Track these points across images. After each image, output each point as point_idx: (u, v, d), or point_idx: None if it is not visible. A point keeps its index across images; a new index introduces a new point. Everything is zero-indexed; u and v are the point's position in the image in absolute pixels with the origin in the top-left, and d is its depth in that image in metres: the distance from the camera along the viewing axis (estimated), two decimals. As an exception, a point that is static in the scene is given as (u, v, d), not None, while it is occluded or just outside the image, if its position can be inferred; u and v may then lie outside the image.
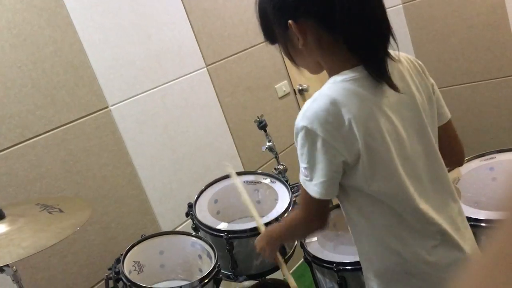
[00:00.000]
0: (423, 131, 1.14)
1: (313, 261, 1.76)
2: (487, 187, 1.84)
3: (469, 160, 1.91)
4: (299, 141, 1.09)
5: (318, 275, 1.79)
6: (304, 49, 1.11)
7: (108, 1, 2.19)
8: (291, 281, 1.58)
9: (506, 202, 0.31)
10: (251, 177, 2.07)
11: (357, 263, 1.35)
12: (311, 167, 1.09)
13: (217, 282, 1.66)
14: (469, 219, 1.57)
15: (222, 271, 1.72)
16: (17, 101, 1.87)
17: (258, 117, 2.09)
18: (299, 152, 1.11)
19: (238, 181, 1.90)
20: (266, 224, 1.74)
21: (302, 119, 1.07)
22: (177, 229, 2.33)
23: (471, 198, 1.78)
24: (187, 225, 2.22)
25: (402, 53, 1.17)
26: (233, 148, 2.68)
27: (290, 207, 1.85)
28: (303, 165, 1.11)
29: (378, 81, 1.07)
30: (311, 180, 1.10)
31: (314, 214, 1.20)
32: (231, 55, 2.72)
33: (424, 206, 1.11)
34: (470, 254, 1.17)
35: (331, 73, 1.11)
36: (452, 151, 1.29)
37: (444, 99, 1.26)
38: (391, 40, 1.09)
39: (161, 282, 1.76)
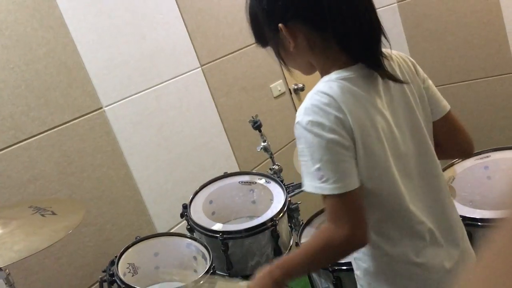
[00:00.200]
0: (416, 129, 1.14)
1: (308, 261, 1.75)
2: (482, 186, 1.84)
3: (464, 159, 1.91)
4: (306, 138, 1.02)
5: (314, 275, 1.79)
6: (295, 51, 1.11)
7: (101, 1, 2.17)
8: None
9: (508, 200, 0.31)
10: (246, 177, 2.06)
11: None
12: (325, 162, 1.00)
13: (212, 283, 1.65)
14: (464, 218, 1.57)
15: (217, 272, 1.72)
16: (10, 103, 1.85)
17: (252, 117, 2.09)
18: (306, 153, 1.03)
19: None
20: (264, 225, 1.74)
21: (304, 115, 1.04)
22: (172, 230, 2.32)
23: (466, 197, 1.78)
24: (183, 226, 2.21)
25: (394, 51, 1.17)
26: (229, 148, 2.67)
27: (285, 207, 1.84)
28: (315, 165, 1.02)
29: (373, 79, 1.07)
30: (328, 179, 1.01)
31: (352, 221, 1.02)
32: (226, 55, 2.71)
33: (413, 205, 1.11)
34: (462, 254, 1.17)
35: (323, 73, 1.11)
36: (458, 142, 1.27)
37: None
38: (383, 38, 1.09)
39: (156, 284, 1.75)
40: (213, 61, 2.64)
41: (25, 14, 1.91)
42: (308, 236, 1.89)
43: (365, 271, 1.17)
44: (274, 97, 2.96)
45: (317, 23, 1.05)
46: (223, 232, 1.74)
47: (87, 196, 2.05)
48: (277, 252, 1.79)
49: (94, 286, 2.01)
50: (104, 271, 1.65)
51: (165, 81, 2.40)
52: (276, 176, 2.06)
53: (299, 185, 2.07)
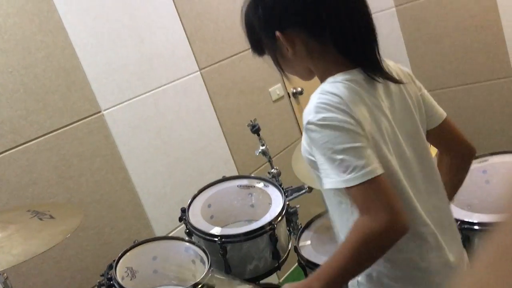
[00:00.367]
0: (415, 134, 1.15)
1: (307, 265, 1.76)
2: (480, 190, 1.84)
3: (465, 165, 1.91)
4: (323, 134, 0.99)
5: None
6: (293, 58, 1.11)
7: (100, 5, 2.18)
8: None
9: (503, 206, 0.31)
10: (244, 181, 2.06)
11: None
12: (348, 151, 0.97)
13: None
14: (462, 222, 1.58)
15: (216, 275, 1.72)
16: (8, 106, 1.86)
17: (251, 121, 2.09)
18: (325, 150, 0.99)
19: None
20: (262, 228, 1.74)
21: (316, 113, 1.00)
22: (171, 234, 2.32)
23: (464, 201, 1.78)
24: (181, 229, 2.21)
25: (390, 61, 1.18)
26: (227, 152, 2.67)
27: (284, 211, 1.84)
28: (338, 157, 0.97)
29: (376, 80, 1.07)
30: (355, 167, 0.96)
31: (389, 205, 0.95)
32: (225, 59, 2.72)
33: (419, 208, 1.11)
34: (457, 258, 1.17)
35: (324, 77, 1.11)
36: (458, 149, 1.27)
37: (436, 101, 1.26)
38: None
39: (154, 288, 1.74)
40: (212, 65, 2.65)
41: (24, 18, 1.91)
42: (306, 239, 1.90)
43: (368, 277, 1.17)
44: (273, 101, 2.97)
45: (314, 29, 1.05)
46: (222, 236, 1.74)
47: (86, 200, 2.04)
48: (276, 256, 1.79)
49: (92, 290, 2.01)
50: (102, 275, 1.64)
51: (164, 85, 2.40)
52: (274, 180, 2.06)
53: (298, 189, 2.07)
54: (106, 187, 2.12)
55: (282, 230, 1.86)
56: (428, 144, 1.21)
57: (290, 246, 1.93)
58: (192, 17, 2.58)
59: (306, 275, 1.81)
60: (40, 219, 1.43)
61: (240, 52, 2.79)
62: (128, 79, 2.25)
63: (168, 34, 2.45)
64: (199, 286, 1.54)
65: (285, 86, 3.06)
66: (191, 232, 1.84)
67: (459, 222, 1.57)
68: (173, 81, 2.44)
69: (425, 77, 1.25)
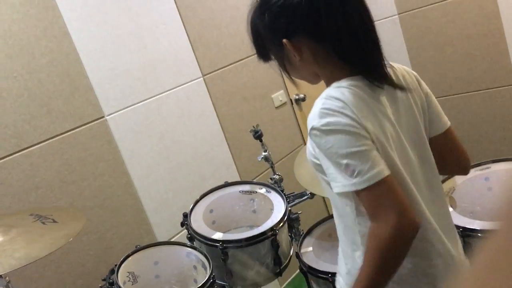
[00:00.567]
0: (419, 139, 1.16)
1: (308, 271, 1.75)
2: (483, 197, 1.84)
3: (461, 175, 1.91)
4: (328, 139, 1.00)
5: (314, 285, 1.78)
6: (300, 64, 1.12)
7: (104, 11, 2.20)
8: None
9: (501, 212, 0.31)
10: (246, 187, 2.07)
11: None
12: (353, 155, 0.98)
13: (212, 292, 1.65)
14: (464, 229, 1.57)
15: (217, 281, 1.72)
16: (12, 111, 1.87)
17: (253, 126, 2.09)
18: (330, 155, 1.00)
19: None
20: (264, 234, 1.74)
21: (320, 119, 1.01)
22: (173, 239, 2.32)
23: (466, 208, 1.78)
24: (183, 235, 2.21)
25: (396, 64, 1.19)
26: (230, 157, 2.68)
27: (286, 217, 1.84)
28: (343, 162, 0.98)
29: (378, 89, 1.07)
30: (360, 171, 0.97)
31: (397, 207, 0.96)
32: (228, 65, 2.73)
33: (427, 213, 1.12)
34: (458, 264, 1.17)
35: (330, 82, 1.12)
36: (456, 159, 1.28)
37: None
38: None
39: (155, 293, 1.74)
40: (215, 71, 2.66)
41: (28, 24, 1.93)
42: (308, 246, 1.89)
43: None
44: (276, 107, 2.98)
45: (319, 35, 1.06)
46: (223, 241, 1.74)
47: (88, 204, 2.05)
48: (277, 262, 1.79)
49: (94, 295, 2.00)
50: (104, 280, 1.65)
51: (167, 91, 2.41)
52: (276, 185, 2.07)
53: (300, 195, 2.07)
54: (108, 192, 2.12)
55: (283, 236, 1.86)
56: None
57: (291, 252, 1.93)
58: (196, 23, 2.59)
59: (307, 281, 1.81)
60: (43, 223, 1.43)
61: (243, 59, 2.80)
62: (131, 85, 2.27)
63: (171, 40, 2.46)
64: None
65: (287, 92, 3.07)
66: (193, 237, 1.84)
67: (461, 229, 1.57)
68: (176, 87, 2.45)
69: (428, 84, 1.25)
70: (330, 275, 1.64)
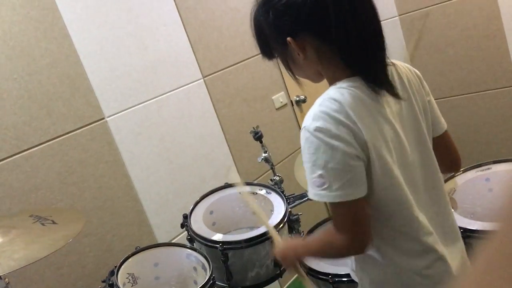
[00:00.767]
0: (421, 140, 1.15)
1: (308, 273, 1.75)
2: (483, 198, 1.83)
3: (465, 171, 1.91)
4: (312, 144, 1.02)
5: (314, 287, 1.78)
6: (304, 63, 1.12)
7: (104, 12, 2.20)
8: None
9: (501, 213, 0.31)
10: (247, 188, 2.06)
11: (352, 274, 1.34)
12: (329, 170, 1.00)
13: (212, 294, 1.65)
14: (465, 229, 1.57)
15: (217, 282, 1.71)
16: (12, 113, 1.87)
17: (253, 128, 2.09)
18: (309, 159, 1.03)
19: (243, 189, 1.87)
20: (264, 235, 1.74)
21: (313, 120, 1.03)
22: (173, 241, 2.31)
23: (467, 209, 1.78)
24: (183, 236, 2.20)
25: (400, 62, 1.19)
26: (230, 159, 2.68)
27: (286, 218, 1.84)
28: (317, 172, 1.01)
29: (379, 91, 1.07)
30: (329, 186, 1.00)
31: (352, 231, 1.04)
32: (228, 67, 2.73)
33: (421, 216, 1.11)
34: (460, 266, 1.17)
35: (333, 81, 1.12)
36: (449, 161, 1.30)
37: (440, 110, 1.27)
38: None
39: (155, 294, 1.74)
40: (215, 72, 2.66)
41: (29, 25, 1.93)
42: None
43: (371, 280, 1.17)
44: (276, 109, 2.97)
45: (324, 35, 1.06)
46: (223, 243, 1.73)
47: (88, 206, 2.05)
48: (277, 263, 1.79)
49: (94, 297, 2.00)
50: (103, 281, 1.64)
51: (167, 92, 2.41)
52: (277, 187, 2.06)
53: (300, 196, 2.07)
54: (108, 193, 2.12)
55: (284, 238, 1.85)
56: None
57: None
58: (196, 25, 2.59)
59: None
60: (42, 224, 1.43)
61: (243, 60, 2.80)
62: (131, 86, 2.27)
63: (172, 42, 2.46)
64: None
65: (288, 94, 3.07)
66: (193, 238, 1.84)
67: (462, 230, 1.56)
68: (176, 89, 2.45)
69: (428, 86, 1.26)
70: (330, 276, 1.64)
